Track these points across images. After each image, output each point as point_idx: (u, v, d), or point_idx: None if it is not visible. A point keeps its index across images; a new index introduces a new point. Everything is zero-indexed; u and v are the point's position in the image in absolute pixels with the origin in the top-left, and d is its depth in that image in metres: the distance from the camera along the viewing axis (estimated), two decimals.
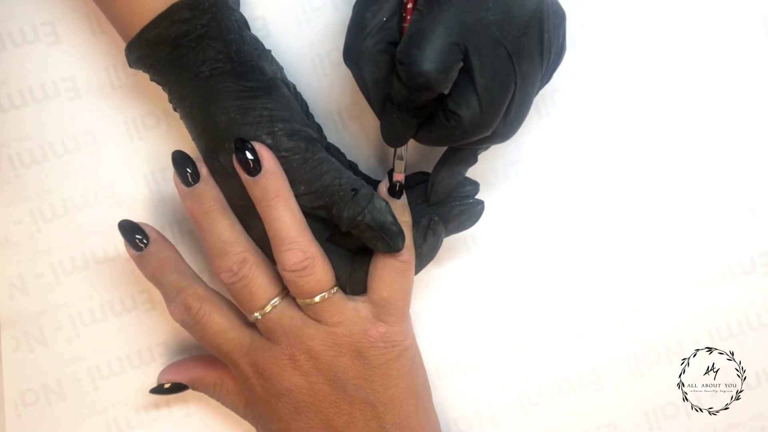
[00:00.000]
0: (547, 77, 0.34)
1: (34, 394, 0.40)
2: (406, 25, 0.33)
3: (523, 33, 0.31)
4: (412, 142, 0.35)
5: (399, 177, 0.36)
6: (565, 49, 0.34)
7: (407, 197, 0.37)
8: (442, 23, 0.30)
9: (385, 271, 0.35)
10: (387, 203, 0.35)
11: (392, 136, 0.34)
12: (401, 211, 0.36)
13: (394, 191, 0.36)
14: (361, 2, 0.33)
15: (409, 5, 0.32)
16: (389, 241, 0.34)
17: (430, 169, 0.39)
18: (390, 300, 0.36)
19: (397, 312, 0.36)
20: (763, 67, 0.40)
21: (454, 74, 0.31)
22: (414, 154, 0.39)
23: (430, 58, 0.30)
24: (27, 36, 0.38)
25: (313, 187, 0.34)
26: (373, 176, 0.38)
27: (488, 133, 0.32)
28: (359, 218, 0.34)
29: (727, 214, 0.40)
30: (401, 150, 0.36)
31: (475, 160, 0.36)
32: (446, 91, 0.31)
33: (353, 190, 0.34)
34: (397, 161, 0.36)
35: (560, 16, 0.33)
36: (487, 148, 0.36)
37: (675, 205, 0.40)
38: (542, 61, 0.32)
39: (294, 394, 0.35)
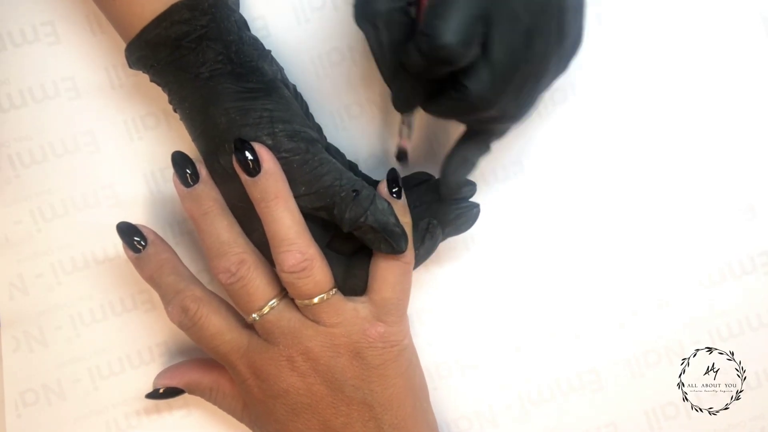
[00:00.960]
0: (563, 65, 0.33)
1: (34, 394, 0.40)
2: None
3: (542, 11, 0.30)
4: (415, 146, 0.34)
5: (405, 143, 0.35)
6: (582, 39, 0.33)
7: (406, 197, 0.37)
8: None
9: (388, 271, 0.35)
10: (389, 204, 0.35)
11: (402, 102, 0.33)
12: (402, 211, 0.36)
13: (399, 157, 0.35)
14: None
15: None
16: (392, 242, 0.34)
17: (430, 170, 0.39)
18: (392, 300, 0.36)
19: (397, 312, 0.36)
20: (763, 67, 0.40)
21: (477, 48, 0.30)
22: (413, 155, 0.39)
23: (454, 29, 0.28)
24: (27, 36, 0.38)
25: (314, 187, 0.34)
26: (373, 176, 0.38)
27: (494, 111, 0.31)
28: (362, 219, 0.34)
29: (727, 214, 0.40)
30: (410, 117, 0.35)
31: (488, 149, 0.35)
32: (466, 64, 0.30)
33: (354, 191, 0.34)
34: (403, 128, 0.35)
35: (579, 1, 0.32)
36: (501, 135, 0.35)
37: (675, 205, 0.40)
38: (558, 44, 0.31)
39: (291, 395, 0.35)
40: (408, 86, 0.32)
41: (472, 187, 0.37)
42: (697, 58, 0.39)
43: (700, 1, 0.39)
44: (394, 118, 0.39)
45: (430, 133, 0.39)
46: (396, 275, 0.35)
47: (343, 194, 0.34)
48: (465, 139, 0.35)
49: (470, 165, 0.36)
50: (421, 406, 0.37)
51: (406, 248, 0.35)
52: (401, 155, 0.36)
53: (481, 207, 0.38)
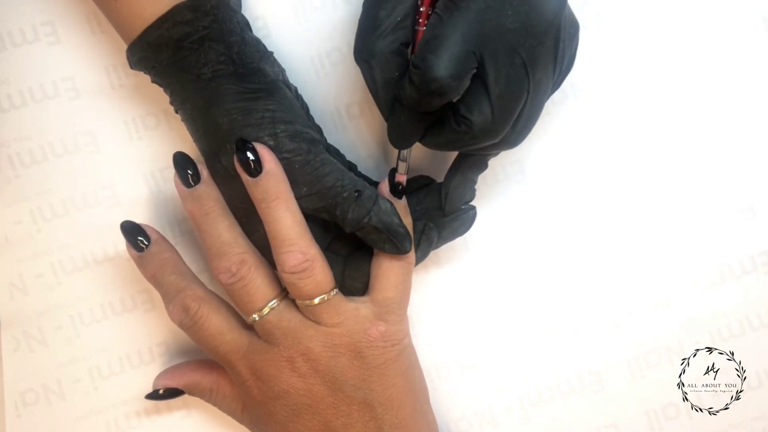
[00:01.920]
0: (557, 85, 0.34)
1: (34, 394, 0.40)
2: (419, 28, 0.32)
3: (539, 42, 0.31)
4: (416, 146, 0.35)
5: (401, 178, 0.36)
6: (575, 58, 0.34)
7: (409, 200, 0.37)
8: (459, 30, 0.30)
9: (390, 271, 0.36)
10: (392, 204, 0.35)
11: (399, 137, 0.34)
12: (404, 212, 0.36)
13: (396, 191, 0.36)
14: None
15: (422, 8, 0.32)
16: (397, 243, 0.34)
17: (429, 172, 0.39)
18: (394, 299, 0.36)
19: (399, 311, 0.36)
20: (763, 67, 0.40)
21: (467, 82, 0.31)
22: (415, 157, 0.39)
23: (446, 64, 0.30)
24: (27, 36, 0.38)
25: (315, 188, 0.34)
26: (373, 177, 0.38)
27: (497, 140, 0.32)
28: (365, 220, 0.34)
29: (727, 214, 0.40)
30: (405, 152, 0.36)
31: (485, 166, 0.36)
32: (457, 97, 0.31)
33: (357, 191, 0.34)
34: (400, 162, 0.36)
35: (575, 26, 0.33)
36: (496, 154, 0.36)
37: (675, 205, 0.40)
38: (555, 70, 0.32)
39: (291, 396, 0.35)
40: (405, 122, 0.33)
41: (471, 192, 0.37)
42: (697, 58, 0.39)
43: (700, 1, 0.39)
44: None
45: None
46: (399, 275, 0.36)
47: (345, 194, 0.34)
48: (463, 158, 0.36)
49: (471, 182, 0.36)
50: (421, 407, 0.37)
51: (410, 248, 0.35)
52: (397, 189, 0.36)
53: (481, 207, 0.38)
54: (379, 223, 0.34)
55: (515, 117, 0.32)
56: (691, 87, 0.40)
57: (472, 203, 0.37)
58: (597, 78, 0.39)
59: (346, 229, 0.34)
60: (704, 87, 0.40)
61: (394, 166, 0.36)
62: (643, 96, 0.40)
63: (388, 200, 0.35)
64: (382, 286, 0.36)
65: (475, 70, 0.31)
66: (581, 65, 0.39)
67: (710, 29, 0.39)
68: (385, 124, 0.34)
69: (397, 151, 0.36)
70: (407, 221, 0.36)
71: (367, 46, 0.33)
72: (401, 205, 0.36)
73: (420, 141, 0.34)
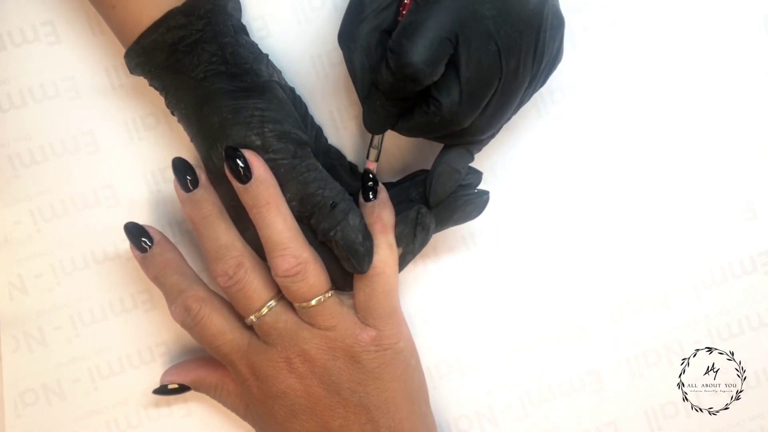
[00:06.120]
0: (541, 81, 0.34)
1: (34, 394, 0.40)
2: (403, 15, 0.33)
3: (517, 31, 0.31)
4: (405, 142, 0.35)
5: (371, 165, 0.36)
6: (561, 55, 0.34)
7: (407, 188, 0.37)
8: (435, 16, 0.30)
9: (360, 281, 0.36)
10: (362, 220, 0.35)
11: (373, 122, 0.34)
12: (385, 205, 0.36)
13: (366, 178, 0.36)
14: None
15: (406, 1, 0.32)
16: (354, 262, 0.34)
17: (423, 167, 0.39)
18: (368, 303, 0.35)
19: (380, 314, 0.36)
20: (763, 67, 0.40)
21: (442, 67, 0.31)
22: (412, 154, 0.39)
23: (420, 50, 0.30)
24: (27, 36, 0.38)
25: (299, 195, 0.34)
26: None
27: (465, 125, 0.32)
28: (331, 233, 0.34)
29: (727, 214, 0.40)
30: (377, 139, 0.36)
31: (470, 158, 0.36)
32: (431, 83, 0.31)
33: (333, 203, 0.34)
34: (371, 150, 0.36)
35: (559, 20, 0.33)
36: (480, 147, 0.36)
37: (675, 205, 0.40)
38: (534, 62, 0.32)
39: (289, 397, 0.35)
40: (380, 107, 0.33)
41: (477, 175, 0.37)
42: (697, 58, 0.39)
43: (700, 2, 0.39)
44: None
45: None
46: (364, 279, 0.35)
47: (321, 204, 0.34)
48: (448, 149, 0.36)
49: (456, 174, 0.35)
50: (419, 410, 0.37)
51: (368, 269, 0.35)
52: (367, 175, 0.36)
53: None
54: (341, 239, 0.34)
55: (484, 103, 0.32)
56: (691, 87, 0.40)
57: (486, 189, 0.37)
58: (598, 77, 0.39)
59: (318, 239, 0.35)
60: (705, 87, 0.40)
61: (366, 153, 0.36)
62: (644, 95, 0.40)
63: (360, 216, 0.35)
64: (366, 295, 0.35)
65: (452, 56, 0.31)
66: (583, 63, 0.39)
67: (710, 29, 0.39)
68: None
69: (370, 139, 0.36)
70: (389, 216, 0.35)
71: (349, 30, 0.33)
72: (383, 196, 0.36)
73: (392, 127, 0.34)
